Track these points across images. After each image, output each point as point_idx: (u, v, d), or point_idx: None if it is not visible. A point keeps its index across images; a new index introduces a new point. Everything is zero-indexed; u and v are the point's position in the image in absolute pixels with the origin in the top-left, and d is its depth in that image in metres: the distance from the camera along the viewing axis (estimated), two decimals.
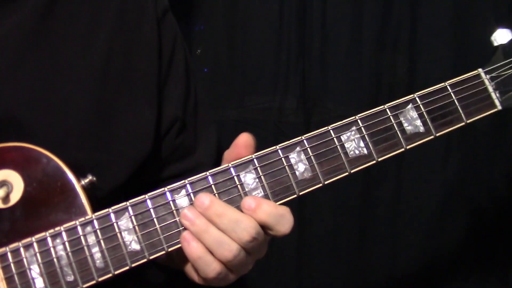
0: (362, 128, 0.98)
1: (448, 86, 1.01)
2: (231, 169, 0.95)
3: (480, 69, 1.03)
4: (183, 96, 1.24)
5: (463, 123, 1.00)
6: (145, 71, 1.16)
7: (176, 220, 0.93)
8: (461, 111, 1.00)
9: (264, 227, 0.93)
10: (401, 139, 0.98)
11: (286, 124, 1.83)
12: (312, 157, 0.96)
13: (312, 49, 1.83)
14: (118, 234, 0.92)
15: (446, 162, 1.85)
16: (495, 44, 1.03)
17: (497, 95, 1.01)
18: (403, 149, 0.98)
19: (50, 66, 1.06)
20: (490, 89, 1.02)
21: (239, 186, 0.94)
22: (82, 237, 0.91)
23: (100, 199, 0.99)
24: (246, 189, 0.94)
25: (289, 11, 1.82)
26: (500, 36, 1.03)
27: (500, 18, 1.75)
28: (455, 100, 1.00)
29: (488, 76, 1.02)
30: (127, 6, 1.16)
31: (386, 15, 1.82)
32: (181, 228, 0.93)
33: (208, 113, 1.32)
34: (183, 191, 0.94)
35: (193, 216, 0.92)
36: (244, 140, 0.96)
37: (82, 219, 0.92)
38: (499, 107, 1.02)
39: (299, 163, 0.96)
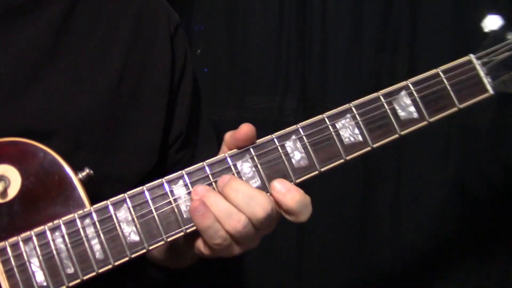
0: (357, 115, 0.98)
1: (440, 72, 1.01)
2: (228, 158, 0.95)
3: (471, 55, 1.03)
4: (188, 111, 1.25)
5: (456, 108, 1.01)
6: (158, 86, 1.18)
7: (174, 211, 0.93)
8: (453, 96, 1.00)
9: (287, 211, 0.93)
10: (395, 125, 0.99)
11: (286, 124, 1.82)
12: (307, 145, 0.97)
13: (312, 49, 1.84)
14: (117, 226, 0.92)
15: (446, 161, 1.85)
16: (486, 30, 1.04)
17: (489, 80, 1.02)
18: (397, 135, 0.99)
19: (66, 79, 1.07)
20: (482, 74, 1.02)
21: (235, 175, 0.95)
22: (81, 229, 0.92)
23: None
24: (243, 178, 0.95)
25: (289, 11, 1.83)
26: (491, 22, 1.04)
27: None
28: (448, 86, 1.00)
29: (479, 62, 1.02)
30: (141, 23, 1.17)
31: (386, 15, 1.82)
32: (179, 218, 0.93)
33: (209, 129, 1.33)
34: (181, 182, 0.94)
35: (203, 190, 0.92)
36: (245, 133, 0.95)
37: (81, 211, 0.93)
38: (491, 92, 1.02)
39: (295, 151, 0.97)
